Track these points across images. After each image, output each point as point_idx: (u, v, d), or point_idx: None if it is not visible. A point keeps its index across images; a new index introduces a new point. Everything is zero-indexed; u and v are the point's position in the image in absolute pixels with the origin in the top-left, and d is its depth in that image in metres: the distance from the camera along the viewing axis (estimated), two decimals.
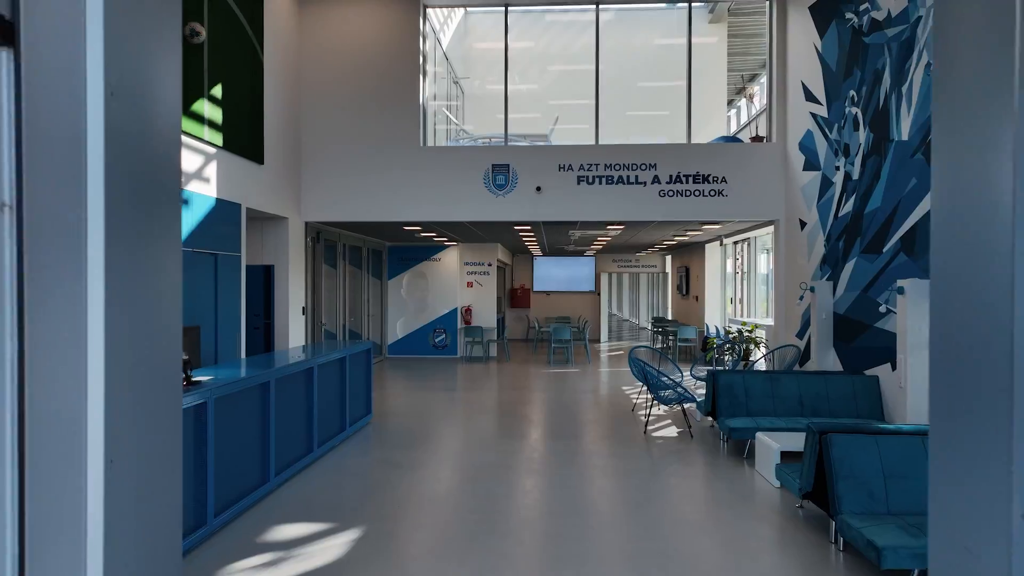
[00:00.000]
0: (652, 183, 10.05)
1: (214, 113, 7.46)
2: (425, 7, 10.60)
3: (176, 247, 1.22)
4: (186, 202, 6.98)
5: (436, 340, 15.65)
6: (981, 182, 1.08)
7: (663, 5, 13.34)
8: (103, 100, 1.00)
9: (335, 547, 4.34)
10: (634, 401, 9.78)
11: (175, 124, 1.24)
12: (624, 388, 11.17)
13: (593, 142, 10.57)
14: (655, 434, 7.66)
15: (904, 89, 6.71)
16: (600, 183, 10.15)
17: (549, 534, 4.62)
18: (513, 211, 10.26)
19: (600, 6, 10.69)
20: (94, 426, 0.95)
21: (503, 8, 10.77)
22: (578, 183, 10.16)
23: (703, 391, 8.75)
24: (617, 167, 10.11)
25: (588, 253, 20.12)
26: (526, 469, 6.25)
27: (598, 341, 20.32)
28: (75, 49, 0.96)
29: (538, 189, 10.16)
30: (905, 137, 6.69)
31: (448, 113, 13.43)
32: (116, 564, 0.98)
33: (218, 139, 7.57)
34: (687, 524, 4.85)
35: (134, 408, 1.07)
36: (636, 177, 10.08)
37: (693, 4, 10.76)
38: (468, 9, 13.25)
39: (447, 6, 11.69)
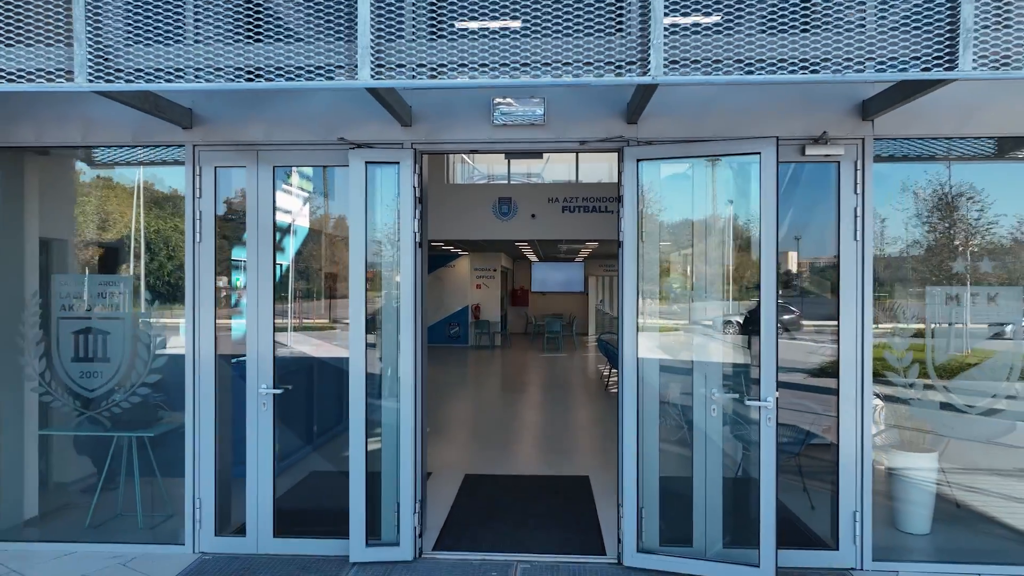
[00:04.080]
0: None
1: None
2: None
3: (424, 278, 4.52)
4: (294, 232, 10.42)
5: (451, 332, 19.08)
6: None
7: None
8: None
9: None
10: (603, 373, 13.22)
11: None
12: (600, 367, 14.61)
13: (575, 180, 14.04)
14: (612, 391, 11.11)
15: None
16: (580, 211, 13.57)
17: (538, 432, 8.08)
18: (514, 232, 13.68)
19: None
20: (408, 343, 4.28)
21: None
22: (563, 211, 13.58)
23: None
24: (592, 199, 13.52)
25: (578, 259, 23.53)
26: (523, 406, 9.71)
27: (586, 334, 23.74)
28: None
29: (533, 216, 13.58)
30: None
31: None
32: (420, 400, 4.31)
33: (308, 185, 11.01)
34: None
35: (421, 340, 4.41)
36: (606, 207, 13.49)
37: None
38: None
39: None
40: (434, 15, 3.38)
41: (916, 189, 4.35)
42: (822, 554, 4.15)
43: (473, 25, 3.32)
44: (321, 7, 3.36)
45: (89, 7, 3.27)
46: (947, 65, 3.09)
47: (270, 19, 3.37)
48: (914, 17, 3.16)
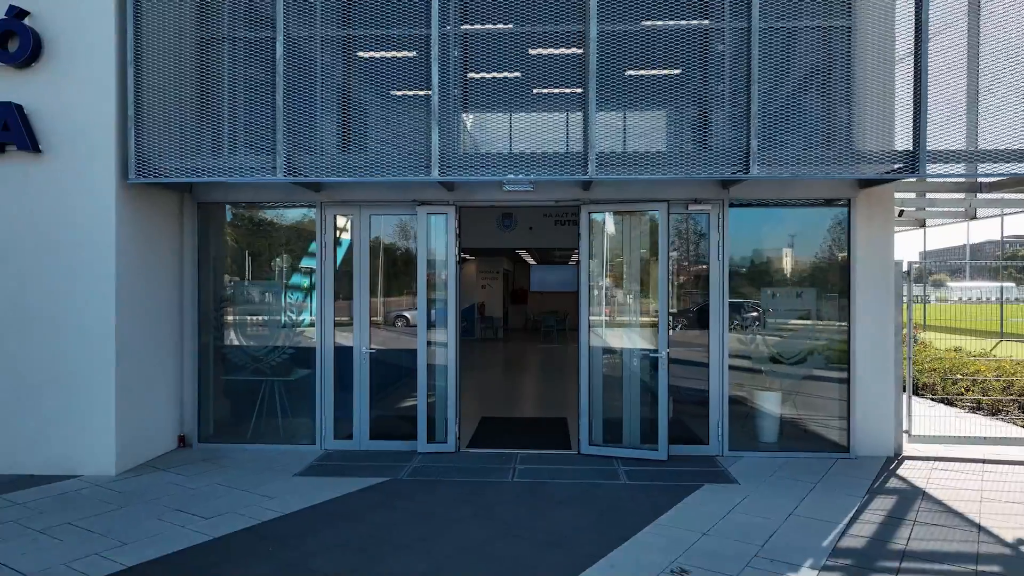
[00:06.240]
0: None
1: None
2: None
3: (459, 283, 7.22)
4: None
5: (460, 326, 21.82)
6: None
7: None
8: None
9: None
10: None
11: None
12: None
13: None
14: None
15: None
16: (569, 224, 16.30)
17: (534, 394, 10.86)
18: (515, 241, 16.40)
19: None
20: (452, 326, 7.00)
21: None
22: (555, 224, 16.33)
23: None
24: None
25: (571, 263, 26.27)
26: (523, 380, 12.50)
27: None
28: None
29: (531, 228, 16.33)
30: None
31: None
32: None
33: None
34: None
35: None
36: None
37: None
38: None
39: None
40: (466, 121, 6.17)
41: (759, 226, 7.09)
42: (701, 447, 6.92)
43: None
44: (405, 135, 6.17)
45: (284, 134, 6.04)
46: (744, 171, 5.87)
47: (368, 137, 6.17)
48: (731, 145, 5.94)
